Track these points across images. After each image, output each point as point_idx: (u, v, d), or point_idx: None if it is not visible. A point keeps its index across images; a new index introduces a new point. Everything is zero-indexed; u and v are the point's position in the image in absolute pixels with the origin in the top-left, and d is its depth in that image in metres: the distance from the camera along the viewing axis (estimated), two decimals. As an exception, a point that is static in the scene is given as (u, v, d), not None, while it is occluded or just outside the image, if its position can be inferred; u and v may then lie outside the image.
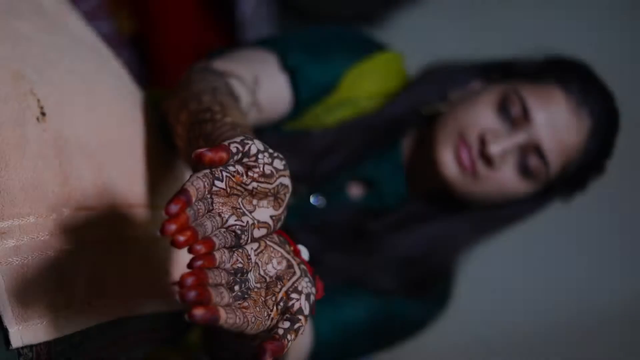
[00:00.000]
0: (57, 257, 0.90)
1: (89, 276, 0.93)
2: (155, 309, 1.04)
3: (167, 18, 1.82)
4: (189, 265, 0.67)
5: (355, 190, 1.48)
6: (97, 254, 0.96)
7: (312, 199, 1.45)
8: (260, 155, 0.76)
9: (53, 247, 0.90)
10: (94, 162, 1.01)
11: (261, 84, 1.25)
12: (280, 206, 0.79)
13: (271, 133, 1.40)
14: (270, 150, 0.77)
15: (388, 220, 1.45)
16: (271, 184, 0.77)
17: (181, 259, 1.11)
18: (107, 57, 1.20)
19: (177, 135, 1.04)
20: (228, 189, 0.74)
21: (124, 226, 1.03)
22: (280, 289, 0.77)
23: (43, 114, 0.95)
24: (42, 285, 0.87)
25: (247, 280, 0.76)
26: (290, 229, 1.40)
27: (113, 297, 0.96)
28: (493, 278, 2.49)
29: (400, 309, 1.44)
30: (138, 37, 1.88)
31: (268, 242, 0.80)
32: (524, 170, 1.32)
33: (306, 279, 0.79)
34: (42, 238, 0.89)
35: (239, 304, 0.72)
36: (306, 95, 1.34)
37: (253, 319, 0.71)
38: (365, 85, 1.42)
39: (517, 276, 2.59)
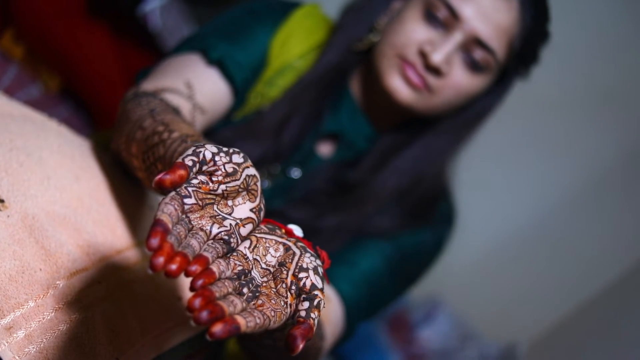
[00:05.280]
0: (70, 329, 0.89)
1: (107, 333, 0.93)
2: (182, 336, 1.04)
3: (86, 61, 1.80)
4: (192, 288, 0.67)
5: (325, 149, 1.47)
6: (106, 309, 0.95)
7: (288, 174, 1.44)
8: (217, 158, 0.76)
9: (62, 320, 0.90)
10: (68, 226, 1.00)
11: (195, 87, 1.24)
12: (255, 197, 0.79)
13: (224, 128, 1.39)
14: (225, 149, 0.77)
15: (366, 164, 1.44)
16: (238, 179, 0.77)
17: (188, 281, 1.11)
18: (41, 121, 1.18)
19: (136, 168, 1.03)
20: (200, 202, 0.74)
21: (121, 273, 1.03)
22: (287, 274, 0.77)
23: (1, 200, 0.94)
24: (67, 361, 0.87)
25: (253, 278, 0.76)
26: (279, 210, 1.41)
27: (138, 342, 0.96)
28: (490, 178, 2.51)
29: (411, 242, 1.44)
30: (67, 89, 1.86)
31: (258, 235, 0.80)
32: (473, 66, 1.32)
33: (307, 254, 0.80)
34: (49, 317, 0.88)
35: (254, 304, 0.72)
36: (241, 79, 1.33)
37: (272, 313, 0.71)
38: (293, 47, 1.41)
39: (514, 168, 2.61)
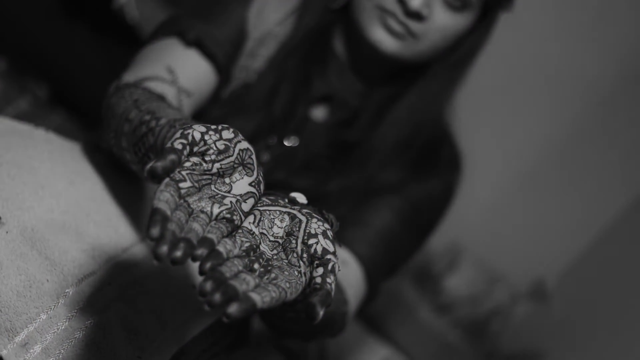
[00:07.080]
0: (87, 335, 0.88)
1: (125, 334, 0.92)
2: (202, 324, 1.02)
3: (70, 62, 1.79)
4: (201, 272, 0.66)
5: (318, 113, 1.45)
6: (120, 309, 0.94)
7: (285, 143, 1.42)
8: (206, 137, 0.75)
9: (77, 328, 0.89)
10: (69, 232, 0.99)
11: (177, 71, 1.22)
12: (252, 170, 0.78)
13: (213, 107, 1.37)
14: (213, 127, 0.76)
15: (363, 121, 1.42)
16: (232, 155, 0.76)
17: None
18: (28, 131, 1.17)
19: (130, 162, 1.02)
20: (196, 184, 0.73)
21: (130, 270, 1.01)
22: (297, 243, 0.77)
23: (-3, 217, 0.93)
24: (88, 367, 0.86)
25: (262, 253, 0.75)
26: (282, 181, 1.39)
27: (158, 338, 0.95)
28: (492, 115, 2.48)
29: (421, 193, 1.42)
30: (57, 95, 1.85)
31: (261, 208, 0.79)
32: (454, 5, 1.28)
33: (314, 220, 0.79)
34: (63, 327, 0.88)
35: (267, 278, 0.70)
36: (223, 57, 1.30)
37: (287, 284, 0.70)
38: (269, 16, 1.38)
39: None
